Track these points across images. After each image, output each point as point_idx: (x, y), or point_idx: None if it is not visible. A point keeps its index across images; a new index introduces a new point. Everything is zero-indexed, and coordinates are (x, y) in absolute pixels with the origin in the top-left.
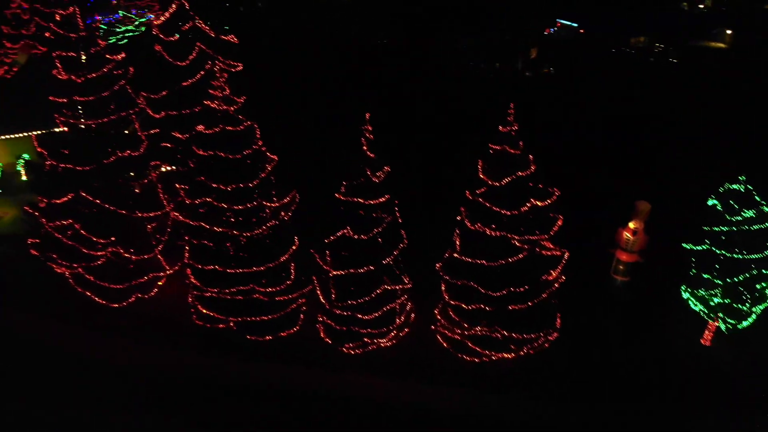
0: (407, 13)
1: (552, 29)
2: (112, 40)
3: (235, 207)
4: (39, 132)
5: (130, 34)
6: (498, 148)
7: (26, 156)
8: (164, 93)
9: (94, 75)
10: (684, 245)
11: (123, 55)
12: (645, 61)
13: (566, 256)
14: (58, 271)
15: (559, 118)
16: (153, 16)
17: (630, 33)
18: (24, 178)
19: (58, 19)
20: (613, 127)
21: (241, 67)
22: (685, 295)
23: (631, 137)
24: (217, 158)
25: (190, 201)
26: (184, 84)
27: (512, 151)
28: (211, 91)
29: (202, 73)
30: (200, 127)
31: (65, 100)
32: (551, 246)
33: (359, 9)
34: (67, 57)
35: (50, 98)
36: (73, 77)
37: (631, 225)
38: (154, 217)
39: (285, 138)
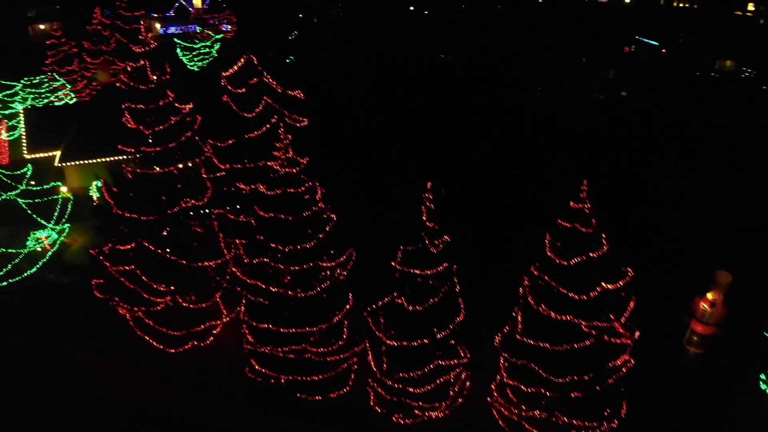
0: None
1: (631, 47)
2: (187, 56)
3: (292, 268)
4: (108, 177)
5: (205, 51)
6: (568, 225)
7: (98, 182)
8: (231, 142)
9: (161, 127)
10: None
11: (191, 105)
12: (732, 88)
13: (637, 335)
14: (121, 311)
15: (634, 154)
16: (229, 27)
17: (716, 55)
18: (96, 203)
19: (129, 70)
20: (696, 169)
21: (306, 122)
22: (763, 386)
23: (720, 187)
24: (276, 219)
25: (248, 260)
26: (251, 135)
27: (584, 229)
28: (274, 153)
29: (268, 126)
30: (262, 188)
31: (132, 150)
32: (622, 330)
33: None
34: (136, 108)
35: (119, 146)
36: (141, 128)
37: (710, 296)
38: (214, 265)
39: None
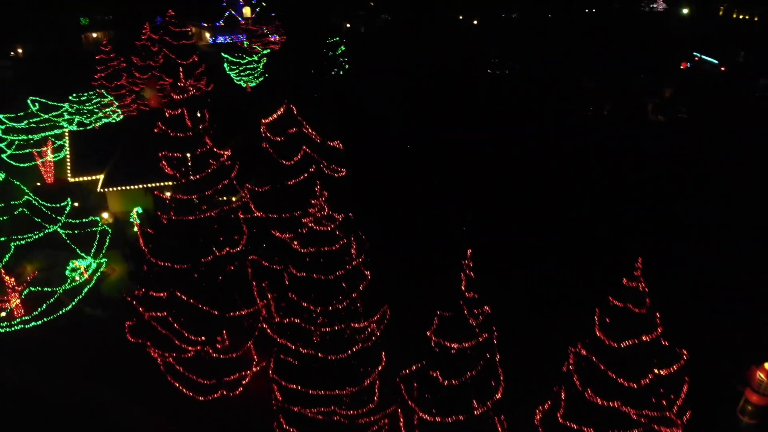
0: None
1: (689, 64)
2: (235, 71)
3: (323, 329)
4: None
5: (252, 66)
6: (620, 305)
7: (139, 209)
8: (267, 187)
9: (198, 176)
10: None
11: (229, 152)
12: None
13: (688, 415)
14: (152, 354)
15: (693, 184)
16: (277, 38)
17: None
18: (136, 229)
19: (167, 116)
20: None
21: (344, 173)
22: None
23: None
24: (309, 279)
25: (278, 319)
26: (288, 183)
27: (637, 310)
28: (310, 210)
29: (305, 175)
30: (295, 245)
31: (167, 197)
32: (674, 419)
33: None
34: (173, 157)
35: (155, 193)
36: (178, 175)
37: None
38: (246, 313)
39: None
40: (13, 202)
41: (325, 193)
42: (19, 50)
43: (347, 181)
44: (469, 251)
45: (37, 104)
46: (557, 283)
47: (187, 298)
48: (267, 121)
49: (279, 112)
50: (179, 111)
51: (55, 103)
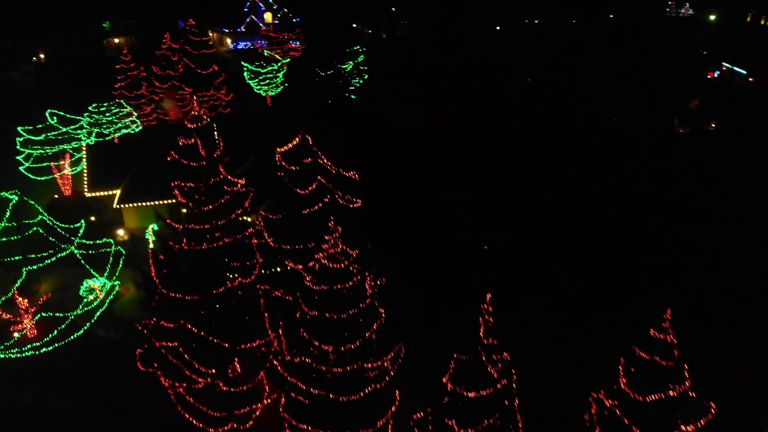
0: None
1: (716, 73)
2: (254, 80)
3: (334, 369)
4: (156, 254)
5: (272, 75)
6: (647, 357)
7: (155, 226)
8: (281, 216)
9: (211, 207)
10: None
11: (243, 181)
12: None
13: None
14: (164, 383)
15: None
16: (298, 43)
17: None
18: (151, 246)
19: (180, 144)
20: None
21: (360, 204)
22: None
23: None
24: (321, 318)
25: (289, 357)
26: (303, 212)
27: (664, 363)
28: (323, 246)
29: (320, 205)
30: (307, 281)
31: (180, 228)
32: None
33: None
34: (185, 187)
35: (168, 221)
36: (191, 204)
37: None
38: (258, 345)
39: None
40: (26, 221)
41: (339, 228)
42: (41, 55)
43: (362, 213)
44: (489, 295)
45: (55, 117)
46: (580, 327)
47: (198, 330)
48: (282, 150)
49: (294, 142)
50: (192, 141)
51: (74, 116)
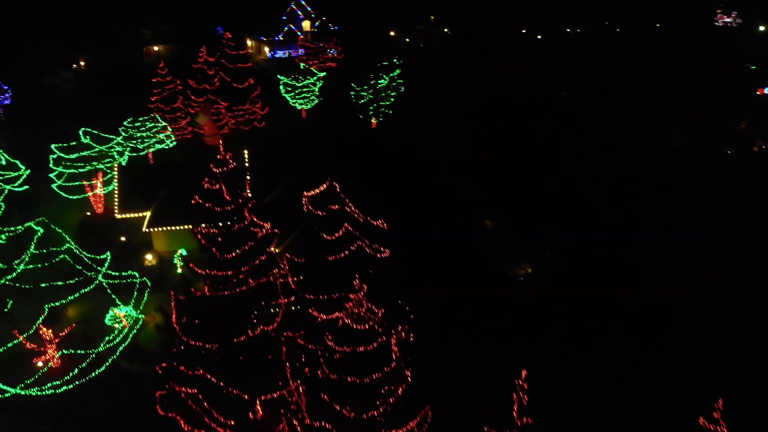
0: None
1: (766, 90)
2: (290, 93)
3: None
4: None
5: (307, 89)
6: None
7: (183, 251)
8: (306, 260)
9: (234, 254)
10: None
11: (269, 225)
12: None
13: None
14: (184, 429)
15: None
16: (335, 53)
17: None
18: (179, 271)
19: (205, 187)
20: None
21: (387, 254)
22: None
23: None
24: (343, 381)
25: (309, 420)
26: (329, 258)
27: None
28: (347, 304)
29: (347, 252)
30: (330, 340)
31: (203, 272)
32: None
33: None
34: (209, 233)
35: (191, 265)
36: (214, 249)
37: None
38: (279, 395)
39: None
40: (54, 249)
41: (365, 286)
42: (82, 63)
43: (390, 263)
44: (524, 372)
45: (88, 136)
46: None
47: (217, 380)
48: (309, 194)
49: (321, 188)
50: (217, 186)
51: (107, 135)
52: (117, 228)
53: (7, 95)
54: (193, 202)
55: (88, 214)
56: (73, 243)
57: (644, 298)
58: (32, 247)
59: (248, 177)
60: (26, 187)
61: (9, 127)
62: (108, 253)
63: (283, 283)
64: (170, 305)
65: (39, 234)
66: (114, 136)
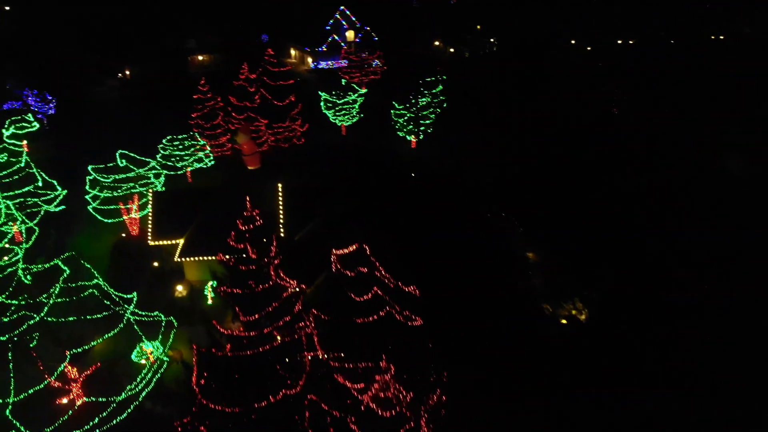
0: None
1: None
2: (331, 110)
3: None
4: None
5: (348, 106)
6: None
7: (214, 282)
8: (332, 318)
9: (257, 316)
10: None
11: (294, 283)
12: None
13: None
14: None
15: None
16: (379, 63)
17: None
18: (209, 302)
19: (231, 244)
20: None
21: (419, 322)
22: None
23: None
24: None
25: None
26: (357, 321)
27: None
28: (374, 386)
29: (375, 317)
30: (352, 423)
31: (229, 332)
32: None
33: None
34: (233, 293)
35: (213, 322)
36: (237, 309)
37: None
38: None
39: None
40: (82, 283)
41: (392, 367)
42: (127, 72)
43: (423, 332)
44: None
45: (124, 159)
46: None
47: None
48: (339, 252)
49: (350, 249)
50: (242, 246)
51: (143, 158)
52: (151, 251)
53: (51, 105)
54: (217, 258)
55: (123, 235)
56: (101, 279)
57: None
58: (57, 289)
59: (281, 213)
60: (63, 207)
61: (50, 139)
62: (135, 293)
63: (308, 338)
64: (192, 358)
65: (65, 275)
66: (150, 159)
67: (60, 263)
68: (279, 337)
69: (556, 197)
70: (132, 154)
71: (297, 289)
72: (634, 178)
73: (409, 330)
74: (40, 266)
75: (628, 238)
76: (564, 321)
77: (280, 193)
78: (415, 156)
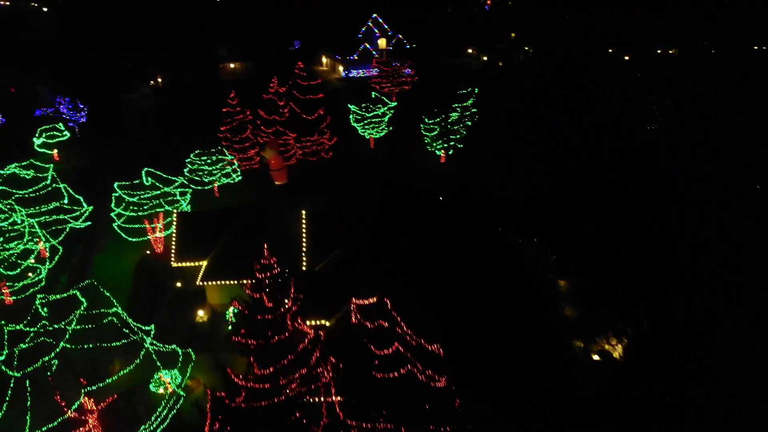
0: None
1: None
2: (360, 123)
3: None
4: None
5: (377, 120)
6: None
7: (234, 309)
8: (350, 372)
9: (272, 370)
10: None
11: (312, 333)
12: None
13: None
14: None
15: None
16: (410, 71)
17: None
18: (231, 327)
19: (247, 292)
20: None
21: (443, 383)
22: None
23: None
24: None
25: None
26: (377, 375)
27: None
28: None
29: (396, 374)
30: None
31: (243, 383)
32: None
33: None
34: (248, 344)
35: (227, 370)
36: (252, 359)
37: None
38: None
39: None
40: (101, 310)
41: None
42: (159, 79)
43: (447, 394)
44: None
45: (150, 177)
46: None
47: None
48: (358, 302)
49: (371, 300)
50: (258, 296)
51: (169, 177)
52: (174, 271)
53: (83, 113)
54: (230, 319)
55: (148, 252)
56: (120, 307)
57: None
58: (76, 316)
59: (304, 241)
60: (88, 223)
61: (81, 147)
62: (153, 326)
63: (325, 386)
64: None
65: (82, 308)
66: (176, 178)
67: (78, 294)
68: (295, 385)
69: (591, 220)
70: (158, 172)
71: (314, 334)
72: (677, 201)
73: (432, 392)
74: (57, 296)
75: (669, 267)
76: (596, 357)
77: (304, 221)
78: (445, 171)
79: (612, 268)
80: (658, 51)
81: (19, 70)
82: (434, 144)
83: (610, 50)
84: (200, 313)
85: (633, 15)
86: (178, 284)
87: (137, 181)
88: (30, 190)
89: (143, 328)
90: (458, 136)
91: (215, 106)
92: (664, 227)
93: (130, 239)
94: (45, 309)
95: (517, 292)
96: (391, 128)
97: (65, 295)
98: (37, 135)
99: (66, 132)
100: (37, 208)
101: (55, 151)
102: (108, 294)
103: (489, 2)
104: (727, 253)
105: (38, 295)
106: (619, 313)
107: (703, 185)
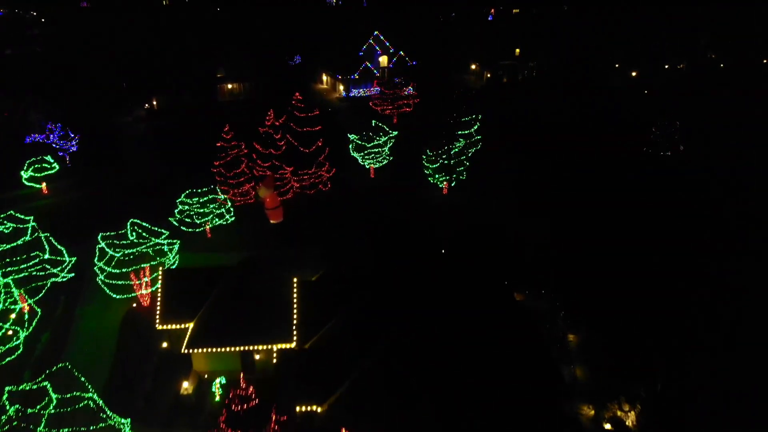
0: None
1: None
2: (360, 154)
3: None
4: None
5: (377, 150)
6: None
7: (223, 379)
8: None
9: None
10: None
11: None
12: None
13: None
14: None
15: None
16: (412, 89)
17: None
18: (217, 399)
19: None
20: None
21: None
22: None
23: None
24: None
25: None
26: None
27: None
28: None
29: None
30: None
31: None
32: None
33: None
34: None
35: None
36: None
37: None
38: None
39: None
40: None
41: None
42: (154, 102)
43: None
44: None
45: (134, 233)
46: None
47: None
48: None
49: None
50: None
51: (157, 229)
52: (160, 331)
53: (73, 142)
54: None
55: (134, 306)
56: (95, 394)
57: None
58: (51, 408)
59: (295, 311)
60: (72, 275)
61: (71, 178)
62: (129, 420)
63: None
64: None
65: (54, 401)
66: (163, 231)
67: (49, 387)
68: None
69: (601, 268)
70: (144, 224)
71: None
72: (698, 248)
73: None
74: (25, 386)
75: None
76: (608, 426)
77: (295, 289)
78: (448, 202)
79: (625, 323)
80: (666, 66)
81: (11, 93)
82: (436, 176)
83: (617, 65)
84: (185, 384)
85: (639, 30)
86: (164, 345)
87: (123, 231)
88: (7, 247)
89: (121, 420)
90: (461, 168)
91: (209, 132)
92: (687, 279)
93: (114, 296)
94: (12, 407)
95: (524, 353)
96: (391, 158)
97: (34, 387)
98: (25, 168)
99: (55, 164)
100: (16, 266)
101: (44, 184)
102: (83, 379)
103: (492, 11)
104: (754, 306)
105: (6, 388)
106: (633, 371)
107: (729, 234)
